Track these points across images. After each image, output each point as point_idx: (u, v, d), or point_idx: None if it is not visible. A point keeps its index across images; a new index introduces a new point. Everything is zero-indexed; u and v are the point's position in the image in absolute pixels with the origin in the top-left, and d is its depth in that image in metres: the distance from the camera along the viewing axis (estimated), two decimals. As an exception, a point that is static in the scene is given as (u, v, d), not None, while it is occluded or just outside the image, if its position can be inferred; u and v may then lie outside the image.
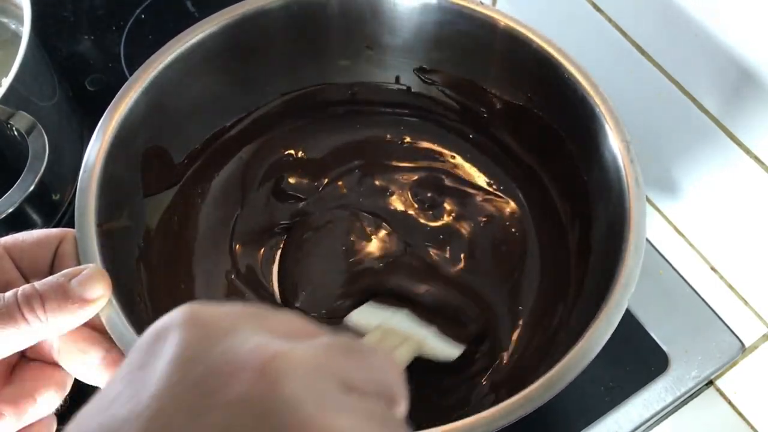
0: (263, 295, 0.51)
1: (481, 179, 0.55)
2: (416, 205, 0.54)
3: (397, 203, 0.54)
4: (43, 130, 0.51)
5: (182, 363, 0.21)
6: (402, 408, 0.25)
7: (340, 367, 0.22)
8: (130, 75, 0.46)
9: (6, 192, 0.50)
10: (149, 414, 0.20)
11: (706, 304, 0.57)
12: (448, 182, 0.55)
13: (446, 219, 0.53)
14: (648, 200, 0.57)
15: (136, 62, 0.47)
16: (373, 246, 0.52)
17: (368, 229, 0.53)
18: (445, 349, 0.40)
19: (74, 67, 0.68)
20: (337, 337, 0.24)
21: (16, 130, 0.51)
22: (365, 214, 0.53)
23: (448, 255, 0.52)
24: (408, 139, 0.57)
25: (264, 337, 0.22)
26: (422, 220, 0.54)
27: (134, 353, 0.22)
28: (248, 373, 0.20)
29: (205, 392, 0.20)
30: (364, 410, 0.22)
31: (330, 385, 0.21)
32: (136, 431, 0.20)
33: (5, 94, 0.50)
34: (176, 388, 0.20)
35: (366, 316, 0.40)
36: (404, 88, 0.56)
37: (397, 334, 0.37)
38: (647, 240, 0.53)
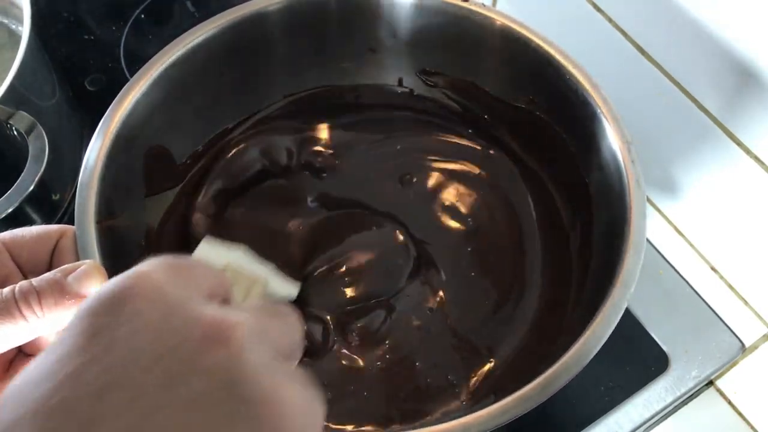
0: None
1: (482, 180, 0.55)
2: (417, 205, 0.54)
3: (398, 202, 0.54)
4: (42, 130, 0.51)
5: (149, 332, 0.21)
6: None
7: (273, 333, 0.24)
8: (130, 75, 0.46)
9: (6, 192, 0.50)
10: (124, 385, 0.20)
11: (706, 304, 0.57)
12: (449, 183, 0.55)
13: (446, 219, 0.53)
14: (648, 200, 0.57)
15: (136, 62, 0.47)
16: (373, 247, 0.52)
17: (369, 231, 0.53)
18: (284, 287, 0.41)
19: (74, 67, 0.68)
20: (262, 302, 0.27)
21: (16, 129, 0.51)
22: (367, 214, 0.53)
23: (447, 254, 0.52)
24: (409, 139, 0.57)
25: (213, 305, 0.23)
26: (421, 220, 0.54)
27: (81, 324, 0.22)
28: (217, 344, 0.21)
29: (177, 362, 0.20)
30: (295, 375, 0.24)
31: (270, 352, 0.23)
32: (112, 403, 0.19)
33: (5, 94, 0.50)
34: (148, 358, 0.20)
35: (207, 254, 0.40)
36: (407, 90, 0.56)
37: (245, 276, 0.38)
38: (647, 240, 0.53)
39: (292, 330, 0.26)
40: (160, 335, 0.21)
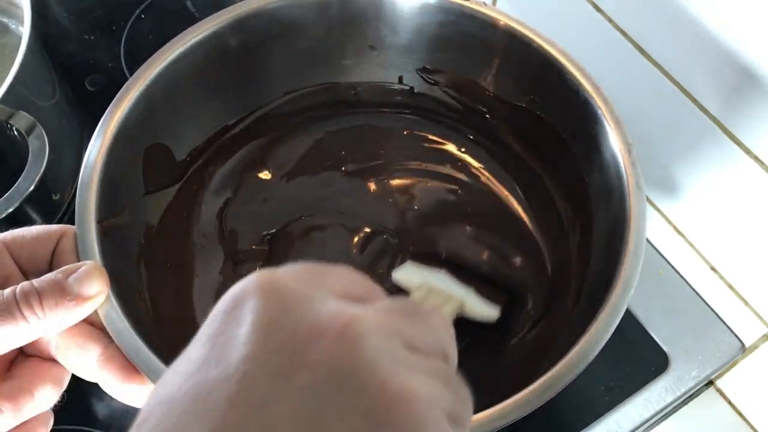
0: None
1: (483, 180, 0.55)
2: (416, 205, 0.54)
3: (397, 201, 0.54)
4: (43, 130, 0.51)
5: (264, 328, 0.22)
6: (454, 365, 0.26)
7: (405, 329, 0.24)
8: (130, 75, 0.46)
9: (6, 192, 0.50)
10: (239, 377, 0.21)
11: (706, 304, 0.57)
12: (448, 183, 0.55)
13: (446, 219, 0.53)
14: (648, 200, 0.57)
15: (136, 62, 0.47)
16: (370, 252, 0.52)
17: (366, 230, 0.53)
18: (484, 308, 0.42)
19: (74, 67, 0.68)
20: (398, 300, 0.26)
21: (16, 129, 0.51)
22: (364, 212, 0.53)
23: (446, 254, 0.52)
24: (410, 139, 0.57)
25: (335, 301, 0.23)
26: (421, 220, 0.54)
27: (212, 322, 0.23)
28: (328, 338, 0.21)
29: (289, 355, 0.21)
30: (429, 368, 0.23)
31: (398, 346, 0.23)
32: (228, 393, 0.20)
33: (5, 94, 0.50)
34: (261, 352, 0.21)
35: (408, 274, 0.42)
36: (407, 88, 0.56)
37: (440, 293, 0.40)
38: (647, 240, 0.53)
39: (433, 328, 0.25)
40: (274, 331, 0.22)
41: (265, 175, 0.55)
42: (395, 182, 0.55)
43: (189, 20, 0.47)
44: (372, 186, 0.55)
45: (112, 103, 0.44)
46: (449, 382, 0.24)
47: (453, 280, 0.42)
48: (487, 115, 0.54)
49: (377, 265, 0.51)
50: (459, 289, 0.42)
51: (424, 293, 0.39)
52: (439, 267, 0.49)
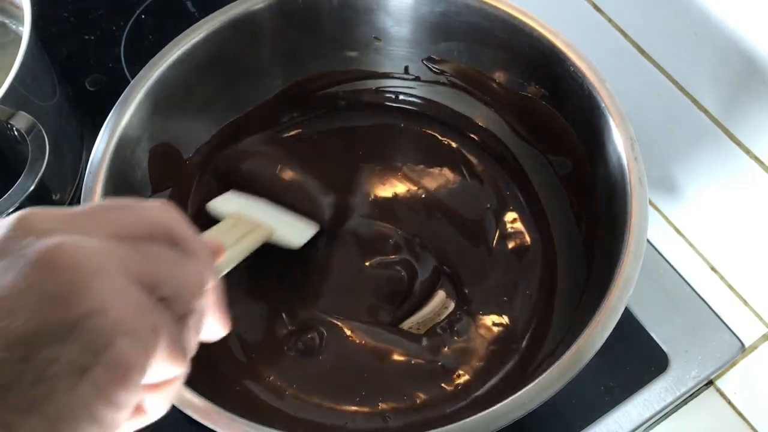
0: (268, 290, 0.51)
1: (485, 175, 0.55)
2: (416, 200, 0.54)
3: (398, 196, 0.54)
4: (43, 130, 0.51)
5: None
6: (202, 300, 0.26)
7: (132, 258, 0.23)
8: (131, 75, 0.46)
9: (6, 192, 0.50)
10: None
11: (706, 304, 0.57)
12: (451, 178, 0.55)
13: (446, 216, 0.53)
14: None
15: (136, 62, 0.47)
16: (379, 240, 0.52)
17: (370, 223, 0.53)
18: (295, 236, 0.43)
19: (74, 68, 0.68)
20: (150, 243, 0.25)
21: (17, 130, 0.51)
22: (367, 207, 0.53)
23: (447, 250, 0.52)
24: (414, 130, 0.57)
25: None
26: (420, 217, 0.53)
27: None
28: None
29: None
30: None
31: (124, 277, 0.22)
32: None
33: (5, 94, 0.50)
34: None
35: (226, 202, 0.42)
36: (413, 77, 0.56)
37: (249, 223, 0.41)
38: (647, 240, 0.53)
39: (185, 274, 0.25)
40: None
41: (269, 168, 0.54)
42: (397, 177, 0.55)
43: (189, 20, 0.48)
44: (374, 179, 0.55)
45: (116, 105, 0.44)
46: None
47: (271, 206, 0.43)
48: (494, 105, 0.54)
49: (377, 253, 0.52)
50: (274, 216, 0.43)
51: (231, 223, 0.40)
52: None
